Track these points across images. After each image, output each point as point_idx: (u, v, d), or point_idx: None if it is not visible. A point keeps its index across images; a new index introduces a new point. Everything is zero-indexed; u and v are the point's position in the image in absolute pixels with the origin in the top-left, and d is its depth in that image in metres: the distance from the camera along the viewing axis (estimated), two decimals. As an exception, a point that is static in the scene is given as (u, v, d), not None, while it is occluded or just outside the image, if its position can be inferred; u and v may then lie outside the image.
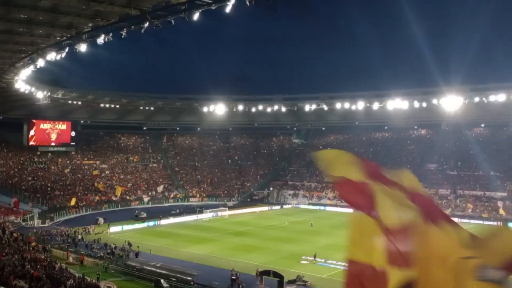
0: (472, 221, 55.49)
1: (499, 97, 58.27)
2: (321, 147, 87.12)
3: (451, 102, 61.50)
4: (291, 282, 28.75)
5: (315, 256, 35.24)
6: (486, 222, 54.76)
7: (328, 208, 66.00)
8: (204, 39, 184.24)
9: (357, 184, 3.32)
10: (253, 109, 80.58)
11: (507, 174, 62.90)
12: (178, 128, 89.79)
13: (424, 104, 67.59)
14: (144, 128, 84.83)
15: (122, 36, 33.81)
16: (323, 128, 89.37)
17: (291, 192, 75.61)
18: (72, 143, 73.66)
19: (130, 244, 38.25)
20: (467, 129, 75.83)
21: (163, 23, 32.05)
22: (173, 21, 32.27)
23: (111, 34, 33.77)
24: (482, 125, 74.93)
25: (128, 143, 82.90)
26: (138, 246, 37.38)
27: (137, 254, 35.83)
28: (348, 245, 3.26)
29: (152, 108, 77.71)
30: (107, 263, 33.12)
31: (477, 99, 60.47)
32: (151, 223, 51.62)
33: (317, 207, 67.33)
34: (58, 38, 35.19)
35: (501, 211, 56.53)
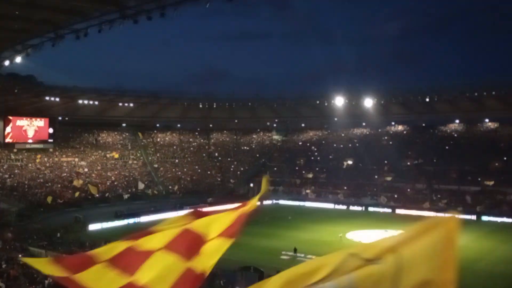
0: (447, 215, 56.80)
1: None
2: (300, 143, 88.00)
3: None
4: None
5: (295, 251, 35.63)
6: (461, 216, 56.19)
7: (308, 204, 66.73)
8: (182, 35, 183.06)
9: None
10: (233, 105, 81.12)
11: (481, 169, 64.50)
12: (158, 125, 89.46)
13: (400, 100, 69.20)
14: (124, 124, 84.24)
15: (100, 31, 33.72)
16: (303, 125, 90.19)
17: (271, 188, 76.04)
18: (50, 140, 72.65)
19: (108, 243, 38.01)
20: (442, 125, 77.59)
21: (141, 18, 32.07)
22: (151, 17, 32.37)
23: (89, 30, 33.64)
24: (457, 121, 76.54)
25: (107, 140, 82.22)
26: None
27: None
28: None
29: (131, 105, 77.31)
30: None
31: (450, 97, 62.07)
32: (131, 221, 51.49)
33: (296, 203, 67.97)
34: (35, 33, 34.84)
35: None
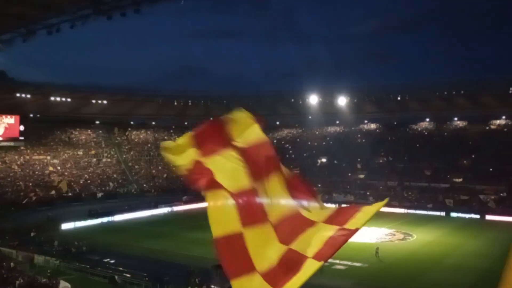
0: (417, 211, 58.40)
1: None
2: (275, 141, 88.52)
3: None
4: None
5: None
6: (431, 212, 57.82)
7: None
8: (157, 32, 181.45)
9: (196, 167, 3.67)
10: (209, 103, 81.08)
11: (450, 167, 66.30)
12: (132, 122, 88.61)
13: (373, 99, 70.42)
14: (97, 122, 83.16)
15: (72, 27, 33.38)
16: (278, 123, 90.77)
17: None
18: (21, 138, 71.18)
19: (81, 241, 37.76)
20: (413, 123, 79.32)
21: (115, 14, 31.89)
22: (125, 13, 32.24)
23: (61, 25, 33.28)
24: (427, 119, 78.33)
25: (80, 138, 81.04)
26: (90, 243, 37.05)
27: (90, 251, 35.52)
28: (211, 226, 3.57)
29: (105, 102, 76.42)
30: (59, 260, 32.67)
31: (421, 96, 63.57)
32: (105, 219, 51.07)
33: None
34: (6, 28, 34.26)
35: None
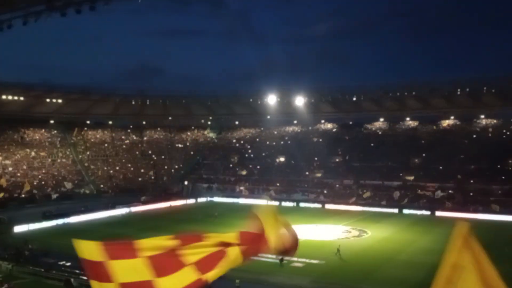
0: (371, 208, 60.33)
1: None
2: (234, 140, 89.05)
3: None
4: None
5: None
6: (384, 209, 59.82)
7: (242, 201, 67.83)
8: (114, 31, 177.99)
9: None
10: (167, 102, 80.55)
11: (403, 165, 68.81)
12: (88, 122, 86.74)
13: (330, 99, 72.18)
14: (52, 121, 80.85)
15: (25, 24, 32.57)
16: (237, 122, 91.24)
17: (205, 185, 76.52)
18: (-31, 138, 68.43)
19: (32, 245, 36.83)
20: (368, 123, 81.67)
21: (70, 11, 31.35)
22: (80, 10, 31.76)
23: (13, 22, 32.42)
24: (381, 119, 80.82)
25: (34, 137, 78.62)
26: (45, 246, 36.28)
27: (45, 254, 34.79)
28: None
29: (60, 101, 74.49)
30: (12, 264, 31.86)
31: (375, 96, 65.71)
32: (61, 221, 49.96)
33: (230, 200, 68.90)
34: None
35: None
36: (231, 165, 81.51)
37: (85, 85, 76.88)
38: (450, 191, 62.03)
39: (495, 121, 72.16)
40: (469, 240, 3.17)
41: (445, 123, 76.15)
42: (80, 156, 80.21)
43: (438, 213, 56.72)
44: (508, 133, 69.51)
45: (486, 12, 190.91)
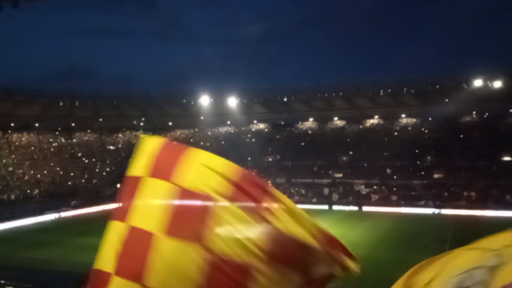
0: (304, 205, 62.75)
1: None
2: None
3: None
4: None
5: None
6: (315, 206, 62.47)
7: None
8: (39, 29, 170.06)
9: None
10: (98, 103, 78.84)
11: (332, 163, 72.05)
12: (13, 124, 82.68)
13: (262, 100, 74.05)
14: (-30, 124, 76.42)
15: None
16: (170, 123, 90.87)
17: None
18: None
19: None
20: (299, 123, 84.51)
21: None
22: (2, 7, 30.86)
23: None
24: (311, 119, 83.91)
25: (-50, 142, 73.98)
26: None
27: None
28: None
29: (-21, 103, 70.64)
30: None
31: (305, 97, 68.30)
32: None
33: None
34: None
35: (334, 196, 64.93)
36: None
37: (9, 86, 73.32)
38: (375, 187, 65.86)
39: (414, 120, 77.25)
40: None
41: (370, 122, 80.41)
42: (4, 160, 76.44)
43: (365, 208, 60.11)
44: (426, 131, 74.74)
45: (406, 19, 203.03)
